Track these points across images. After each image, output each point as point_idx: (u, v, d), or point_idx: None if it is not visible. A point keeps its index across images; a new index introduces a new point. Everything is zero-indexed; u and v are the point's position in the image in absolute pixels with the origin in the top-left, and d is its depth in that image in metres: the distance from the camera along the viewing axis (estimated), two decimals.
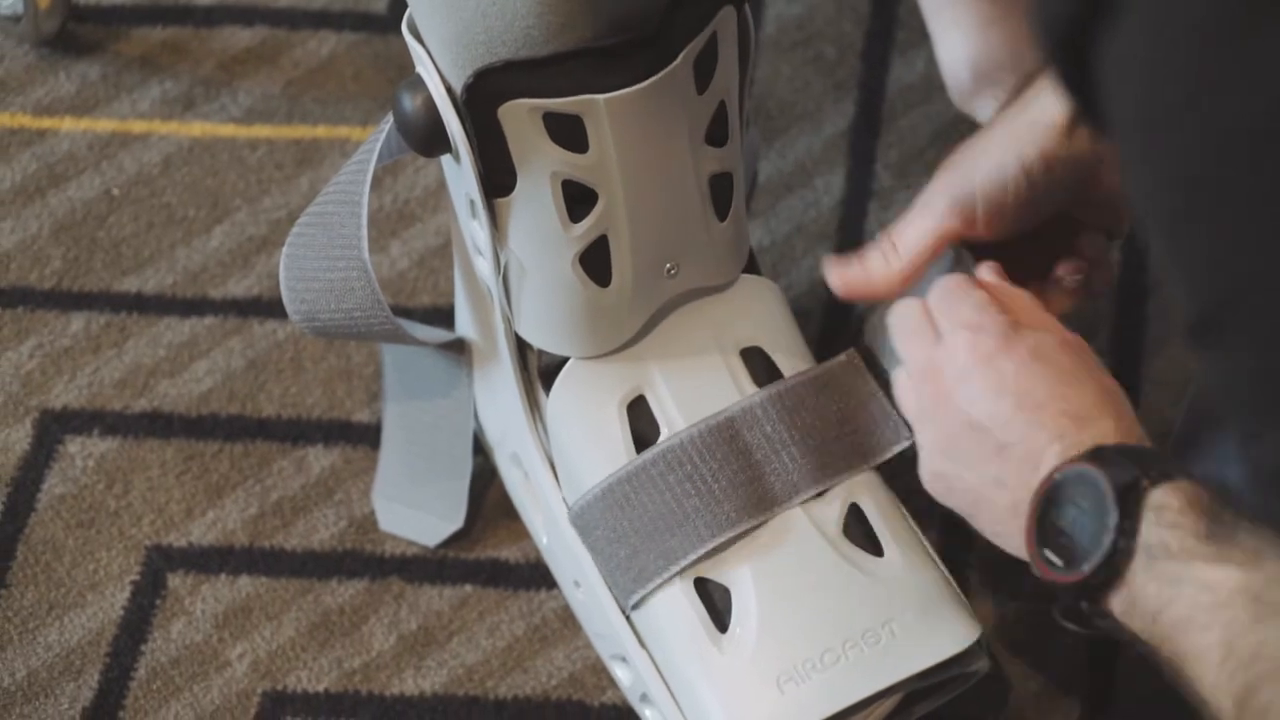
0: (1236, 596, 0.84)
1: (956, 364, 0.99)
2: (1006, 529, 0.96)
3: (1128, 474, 0.90)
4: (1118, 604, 0.90)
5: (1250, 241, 0.61)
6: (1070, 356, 0.97)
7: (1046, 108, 1.00)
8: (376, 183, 1.36)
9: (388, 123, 1.06)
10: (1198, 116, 0.60)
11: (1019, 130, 1.01)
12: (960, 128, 1.12)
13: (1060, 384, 0.96)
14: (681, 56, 0.98)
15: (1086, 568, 0.90)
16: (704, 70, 1.00)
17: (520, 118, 0.98)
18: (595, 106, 0.98)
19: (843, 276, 1.06)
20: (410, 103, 1.00)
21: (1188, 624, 0.85)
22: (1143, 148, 0.63)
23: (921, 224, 1.04)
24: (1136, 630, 0.89)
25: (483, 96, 0.97)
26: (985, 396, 0.97)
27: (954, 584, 1.10)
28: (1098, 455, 0.92)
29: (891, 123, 1.38)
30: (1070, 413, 0.95)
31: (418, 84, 1.00)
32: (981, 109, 1.12)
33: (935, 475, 1.01)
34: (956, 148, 1.04)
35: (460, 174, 1.03)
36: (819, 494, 1.09)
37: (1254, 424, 0.64)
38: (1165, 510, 0.89)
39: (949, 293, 1.02)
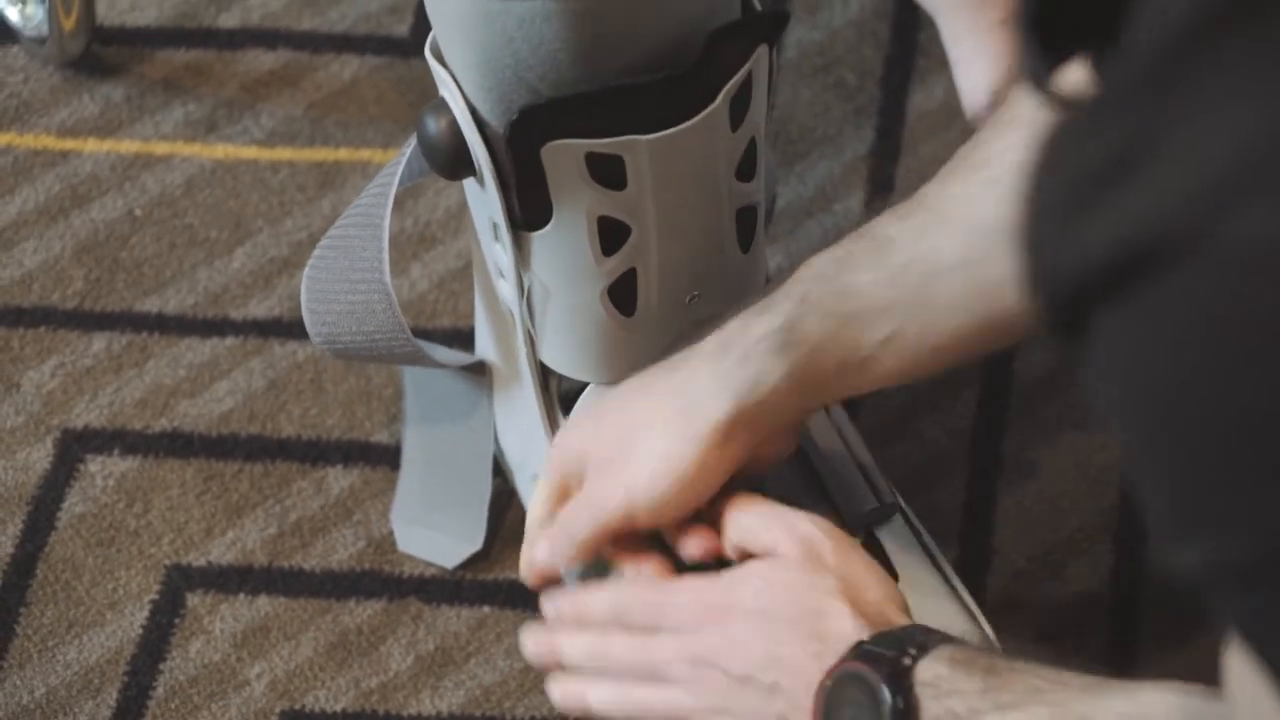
0: None
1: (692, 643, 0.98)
2: None
3: (890, 658, 0.91)
4: None
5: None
6: (781, 590, 0.97)
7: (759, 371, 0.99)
8: (398, 205, 1.36)
9: (410, 146, 1.06)
10: (1218, 412, 0.55)
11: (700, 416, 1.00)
12: None
13: (786, 619, 0.96)
14: (721, 96, 0.99)
15: None
16: (739, 108, 1.01)
17: (563, 158, 0.98)
18: (638, 147, 0.98)
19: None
20: (434, 126, 1.01)
21: None
22: (1141, 420, 0.57)
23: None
24: None
25: (527, 135, 0.98)
26: (741, 651, 0.97)
27: (972, 606, 1.11)
28: (858, 651, 0.92)
29: (911, 149, 1.39)
30: (816, 634, 0.95)
31: (442, 107, 1.01)
32: None
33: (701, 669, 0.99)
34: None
35: (484, 197, 1.04)
36: None
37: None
38: (939, 680, 0.90)
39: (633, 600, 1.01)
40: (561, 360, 1.10)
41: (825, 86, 1.42)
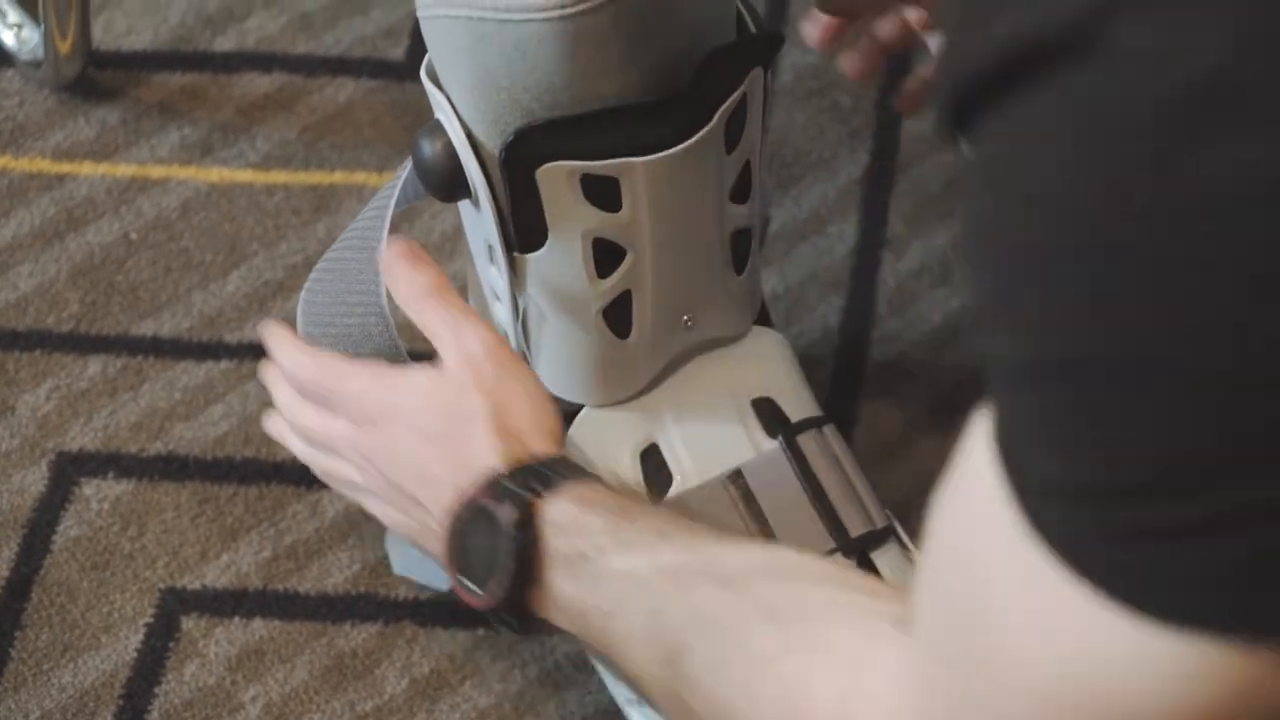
0: (654, 576, 0.89)
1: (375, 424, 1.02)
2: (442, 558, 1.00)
3: (517, 495, 0.94)
4: (542, 609, 0.95)
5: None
6: (435, 407, 1.00)
7: None
8: (393, 228, 1.36)
9: (405, 169, 1.06)
10: (1081, 205, 0.60)
11: None
12: None
13: (437, 441, 0.99)
14: (716, 118, 0.99)
15: (493, 585, 0.95)
16: (734, 131, 1.01)
17: (558, 180, 0.98)
18: (633, 169, 0.98)
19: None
20: (430, 148, 1.01)
21: (614, 613, 0.91)
22: (1011, 205, 0.62)
23: None
24: (566, 626, 0.94)
25: (522, 157, 0.98)
26: (391, 458, 1.01)
27: None
28: (491, 484, 0.96)
29: (905, 171, 1.39)
30: (459, 458, 0.98)
31: (437, 130, 1.01)
32: None
33: (371, 479, 1.04)
34: None
35: (479, 219, 1.04)
36: (830, 551, 1.09)
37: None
38: (567, 520, 0.93)
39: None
40: (556, 383, 1.10)
41: (820, 110, 1.42)
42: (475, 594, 0.97)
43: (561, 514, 0.94)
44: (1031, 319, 0.62)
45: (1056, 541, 0.64)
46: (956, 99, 0.62)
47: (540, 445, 0.99)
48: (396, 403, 1.01)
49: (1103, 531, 0.63)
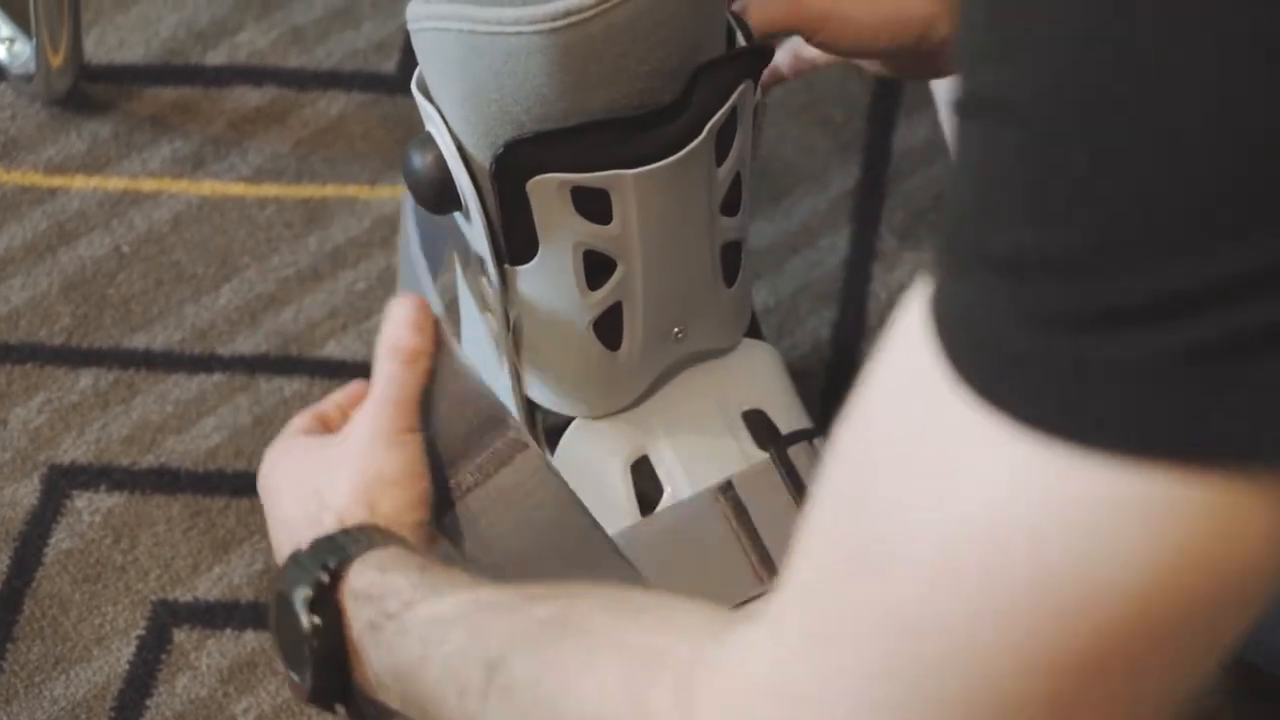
0: (463, 608, 0.83)
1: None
2: None
3: (308, 577, 0.89)
4: (372, 687, 0.88)
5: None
6: (280, 477, 0.99)
7: None
8: (384, 242, 1.37)
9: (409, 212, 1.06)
10: None
11: None
12: None
13: (279, 502, 0.98)
14: (706, 131, 0.99)
15: (308, 675, 0.89)
16: (724, 143, 1.02)
17: (549, 191, 0.99)
18: (623, 181, 0.99)
19: None
20: (420, 160, 1.01)
21: (424, 657, 0.83)
22: None
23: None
24: (392, 702, 0.88)
25: (512, 169, 0.98)
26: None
27: None
28: (284, 575, 0.91)
29: (896, 184, 1.39)
30: (284, 523, 0.96)
31: (428, 142, 1.01)
32: None
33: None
34: None
35: (470, 231, 1.04)
36: None
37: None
38: (371, 587, 0.88)
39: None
40: (547, 395, 1.10)
41: (810, 123, 1.42)
42: (297, 684, 0.91)
43: (366, 583, 0.88)
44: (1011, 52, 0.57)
45: (975, 377, 0.57)
46: None
47: (361, 511, 0.94)
48: (284, 465, 1.00)
49: (1022, 326, 0.56)
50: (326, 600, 0.88)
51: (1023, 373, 0.57)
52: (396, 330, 1.00)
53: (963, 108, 0.59)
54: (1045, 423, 0.56)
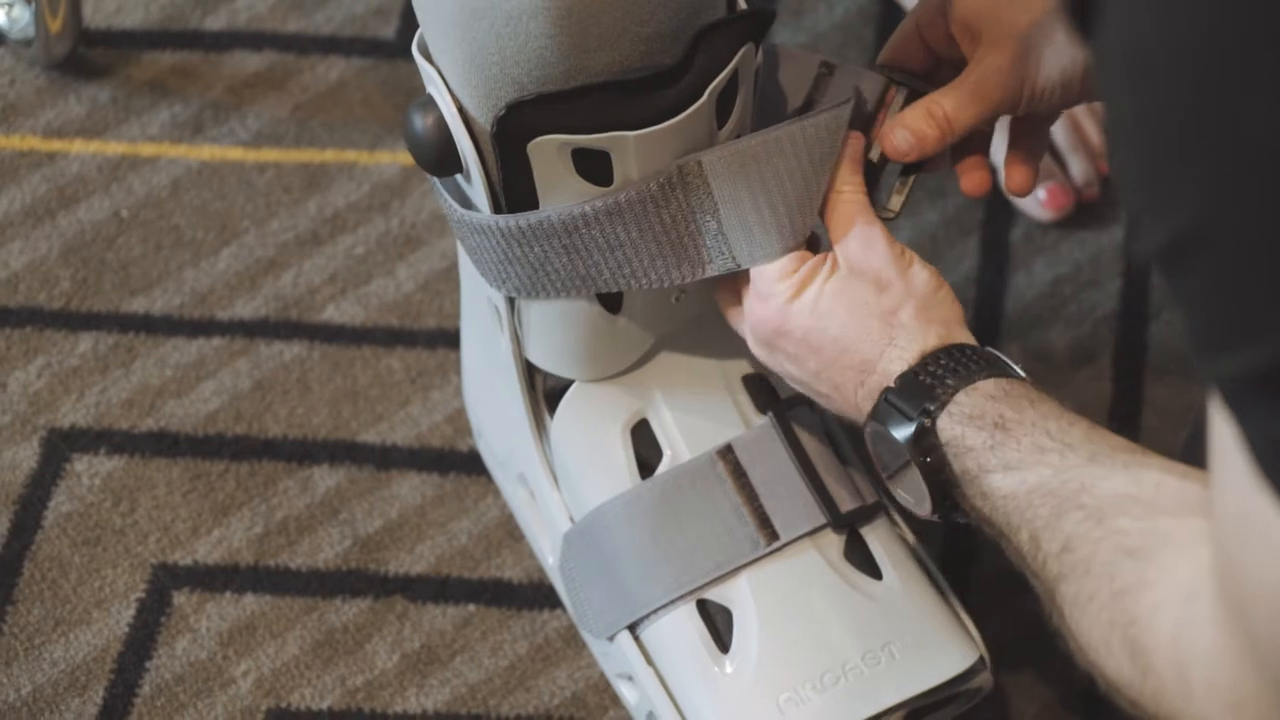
0: (1031, 498, 0.90)
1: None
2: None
3: (910, 416, 0.95)
4: (970, 505, 0.96)
5: (1238, 165, 0.63)
6: (850, 299, 0.99)
7: None
8: (383, 207, 1.37)
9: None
10: (1201, 49, 0.61)
11: None
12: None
13: (822, 357, 1.00)
14: (707, 94, 0.99)
15: (928, 505, 0.97)
16: (724, 106, 1.01)
17: (549, 153, 0.99)
18: (624, 142, 0.98)
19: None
20: (421, 122, 1.01)
21: (1003, 534, 0.93)
22: (1131, 70, 0.64)
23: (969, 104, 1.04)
24: (983, 523, 0.96)
25: (513, 130, 0.98)
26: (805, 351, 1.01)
27: (955, 604, 1.11)
28: (884, 403, 0.97)
29: None
30: (854, 364, 0.99)
31: (429, 104, 1.01)
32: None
33: (789, 376, 1.04)
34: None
35: (472, 193, 1.04)
36: (820, 527, 1.09)
37: (1221, 338, 0.67)
38: (954, 440, 0.94)
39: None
40: (547, 358, 1.11)
41: None
42: (911, 504, 0.98)
43: (951, 435, 0.95)
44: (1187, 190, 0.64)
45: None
46: None
47: (928, 338, 0.98)
48: (784, 324, 1.01)
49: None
50: (928, 437, 0.95)
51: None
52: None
53: (1167, 256, 0.65)
54: None
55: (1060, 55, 1.02)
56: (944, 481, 0.96)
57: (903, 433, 0.95)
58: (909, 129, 1.03)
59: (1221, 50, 0.61)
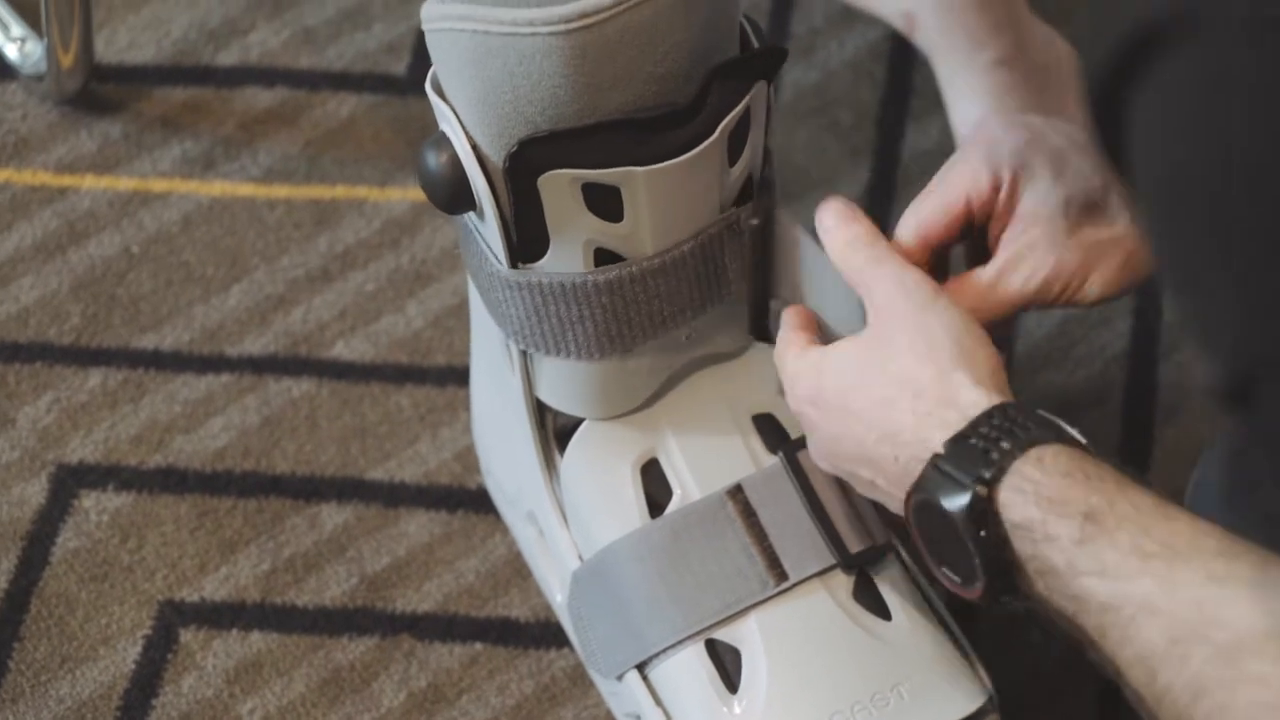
0: (1139, 613, 0.81)
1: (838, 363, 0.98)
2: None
3: (963, 486, 0.87)
4: (1033, 595, 0.88)
5: None
6: (860, 393, 0.94)
7: None
8: (393, 243, 1.37)
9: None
10: (1241, 177, 0.60)
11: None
12: None
13: (864, 421, 0.94)
14: (719, 131, 0.99)
15: (979, 586, 0.89)
16: (736, 144, 1.02)
17: (560, 188, 0.99)
18: (634, 178, 0.99)
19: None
20: (435, 160, 1.01)
21: (1098, 642, 0.83)
22: (1171, 205, 0.63)
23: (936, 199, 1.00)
24: (1054, 610, 0.87)
25: (525, 166, 0.98)
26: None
27: (965, 645, 1.11)
28: (932, 472, 0.89)
29: (906, 189, 1.39)
30: (893, 438, 0.92)
31: (442, 141, 1.01)
32: None
33: (834, 469, 1.00)
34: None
35: (484, 230, 1.04)
36: (830, 568, 1.09)
37: None
38: (1032, 524, 0.86)
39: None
40: (558, 396, 1.11)
41: (821, 127, 1.42)
42: (957, 584, 0.91)
43: (1024, 517, 0.86)
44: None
45: None
46: (1095, 95, 0.65)
47: (968, 391, 0.91)
48: (821, 385, 0.96)
49: None
50: (984, 510, 0.86)
51: None
52: (850, 229, 0.99)
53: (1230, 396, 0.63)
54: None
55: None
56: (1003, 561, 0.87)
57: (955, 503, 0.87)
58: None
59: (1262, 175, 0.60)
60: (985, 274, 1.00)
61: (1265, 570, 0.78)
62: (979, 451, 0.88)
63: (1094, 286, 0.99)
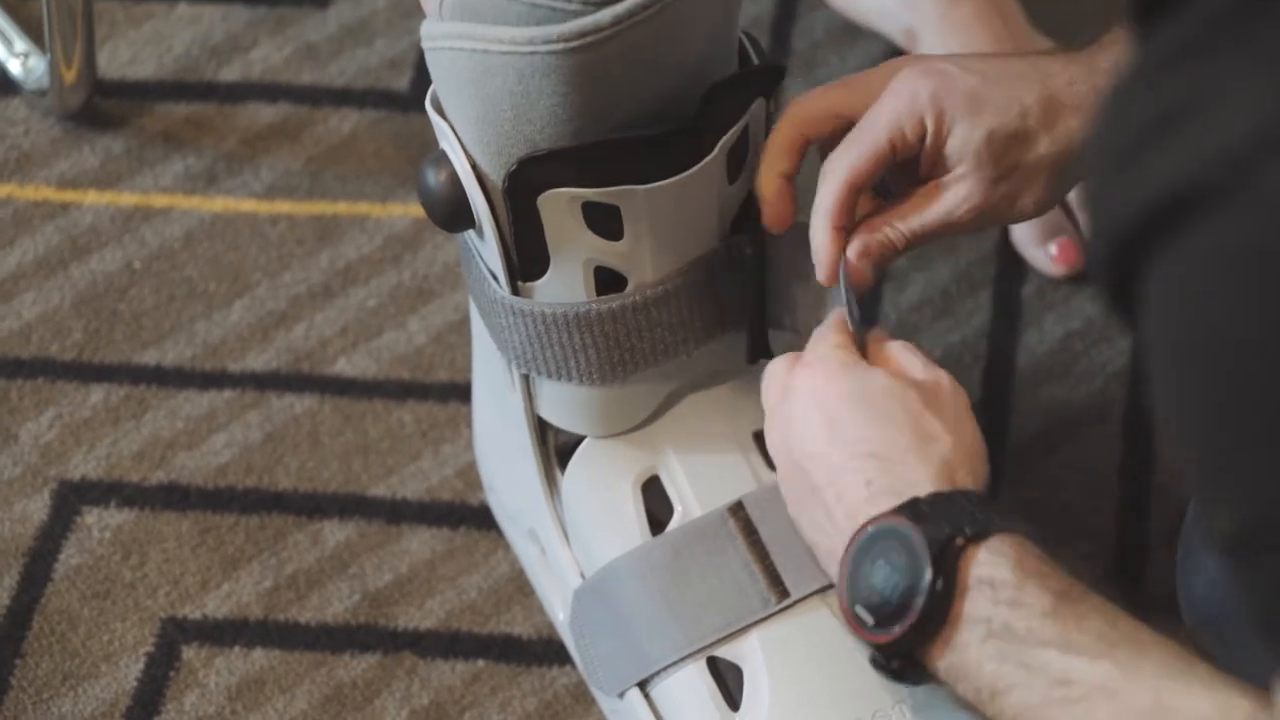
0: (1094, 694, 0.82)
1: (794, 399, 0.99)
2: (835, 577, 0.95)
3: (941, 530, 0.89)
4: (942, 665, 0.89)
5: None
6: (896, 400, 0.96)
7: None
8: (395, 259, 1.37)
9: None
10: (1273, 351, 0.59)
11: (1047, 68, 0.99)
12: None
13: (871, 425, 0.95)
14: (718, 148, 0.99)
15: (897, 629, 0.89)
16: (736, 161, 1.02)
17: (560, 206, 0.99)
18: (634, 197, 0.99)
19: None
20: (434, 178, 1.01)
21: (1039, 713, 0.84)
22: (1192, 370, 0.62)
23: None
24: (963, 694, 0.88)
25: (524, 185, 0.98)
26: (804, 435, 0.97)
27: None
28: (911, 508, 0.91)
29: None
30: (876, 454, 0.94)
31: (442, 160, 1.01)
32: None
33: (792, 520, 1.00)
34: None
35: (483, 249, 1.04)
36: (829, 585, 1.09)
37: None
38: (999, 583, 0.87)
39: (819, 330, 1.01)
40: (559, 414, 1.11)
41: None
42: (866, 626, 0.91)
43: (993, 575, 0.87)
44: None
45: None
46: (1113, 254, 0.62)
47: (964, 479, 0.93)
48: (892, 369, 0.97)
49: None
50: (950, 562, 0.87)
51: None
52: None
53: (1235, 546, 0.63)
54: None
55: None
56: (943, 612, 0.87)
57: (926, 539, 0.88)
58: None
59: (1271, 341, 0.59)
60: (918, 201, 1.02)
61: (1221, 676, 0.80)
62: (971, 511, 0.90)
63: (1026, 206, 1.02)
